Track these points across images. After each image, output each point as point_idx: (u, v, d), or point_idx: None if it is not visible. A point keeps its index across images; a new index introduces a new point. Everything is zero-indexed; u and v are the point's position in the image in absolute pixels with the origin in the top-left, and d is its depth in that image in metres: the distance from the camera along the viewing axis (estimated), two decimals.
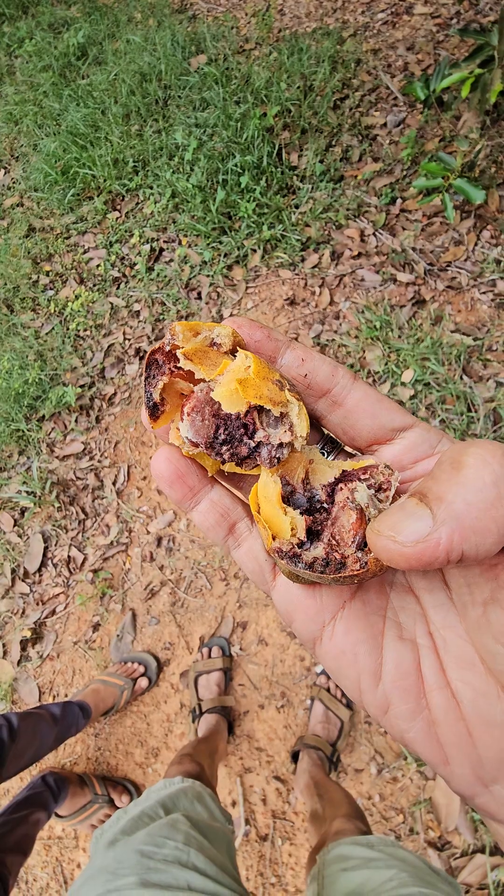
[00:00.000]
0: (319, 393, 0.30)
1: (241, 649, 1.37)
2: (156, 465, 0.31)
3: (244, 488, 0.33)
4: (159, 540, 1.54)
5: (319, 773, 1.12)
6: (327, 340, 1.67)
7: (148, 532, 1.56)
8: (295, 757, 1.24)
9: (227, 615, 1.41)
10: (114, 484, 1.65)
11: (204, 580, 1.46)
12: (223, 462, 0.30)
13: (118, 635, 1.45)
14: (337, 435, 0.32)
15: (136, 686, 1.36)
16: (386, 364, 1.58)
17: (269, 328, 0.31)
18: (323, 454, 0.33)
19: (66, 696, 1.38)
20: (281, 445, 0.29)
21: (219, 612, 1.42)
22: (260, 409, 0.29)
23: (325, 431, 0.33)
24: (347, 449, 0.33)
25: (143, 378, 0.33)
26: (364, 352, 1.63)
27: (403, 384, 1.54)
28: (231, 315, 1.85)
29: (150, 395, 0.30)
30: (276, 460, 0.29)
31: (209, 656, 1.36)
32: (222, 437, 0.29)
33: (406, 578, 0.30)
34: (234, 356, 0.30)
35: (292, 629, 0.31)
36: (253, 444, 0.29)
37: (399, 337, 1.62)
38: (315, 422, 0.32)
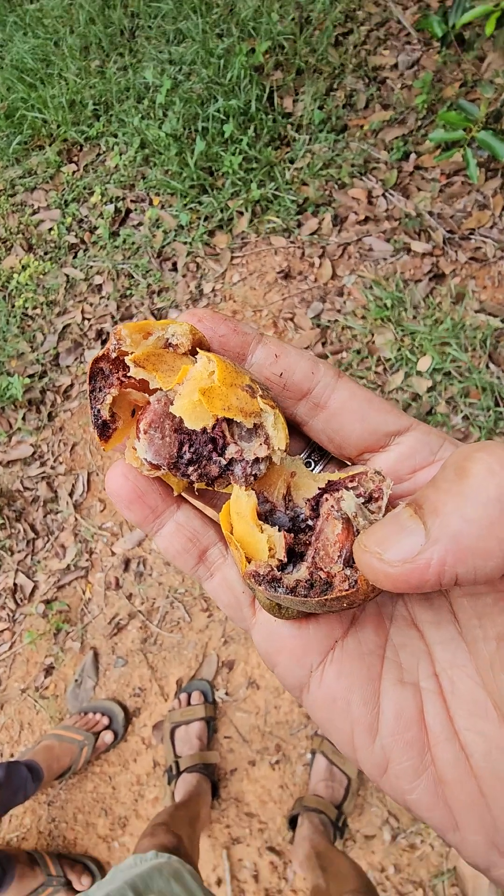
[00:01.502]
0: (298, 395, 0.31)
1: (226, 694, 1.37)
2: (111, 483, 0.31)
3: (219, 506, 0.34)
4: (127, 563, 1.53)
5: (322, 842, 1.13)
6: (329, 321, 1.69)
7: (113, 553, 1.55)
8: (293, 822, 1.24)
9: (211, 653, 1.41)
10: (70, 495, 1.63)
11: (182, 611, 1.45)
12: (191, 483, 0.31)
13: (76, 680, 1.43)
14: (322, 443, 0.32)
15: (99, 741, 1.35)
16: (399, 350, 1.60)
17: (234, 321, 0.31)
18: (308, 465, 0.34)
19: (11, 755, 1.36)
20: (257, 461, 0.30)
21: (200, 650, 1.42)
22: (230, 421, 0.30)
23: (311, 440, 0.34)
24: (341, 460, 0.34)
25: (88, 392, 0.35)
26: (373, 335, 1.64)
27: (419, 373, 1.56)
28: (213, 290, 1.85)
29: (98, 412, 0.30)
30: (252, 478, 0.30)
31: (188, 703, 1.35)
32: (188, 455, 0.30)
33: (408, 610, 0.30)
34: (195, 357, 0.30)
35: (276, 674, 0.31)
36: (224, 462, 0.30)
37: (414, 318, 1.64)
38: (296, 429, 0.33)
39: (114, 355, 0.30)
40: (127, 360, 0.29)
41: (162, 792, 1.30)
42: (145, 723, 1.39)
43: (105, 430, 0.30)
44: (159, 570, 1.52)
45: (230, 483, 0.31)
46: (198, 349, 0.30)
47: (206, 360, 0.29)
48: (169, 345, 0.31)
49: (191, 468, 0.30)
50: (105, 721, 1.37)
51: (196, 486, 0.32)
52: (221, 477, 0.30)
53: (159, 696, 1.40)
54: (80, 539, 1.59)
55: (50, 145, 2.11)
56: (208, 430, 0.29)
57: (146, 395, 0.31)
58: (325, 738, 1.30)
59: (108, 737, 1.36)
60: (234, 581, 0.32)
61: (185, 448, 0.30)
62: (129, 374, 0.30)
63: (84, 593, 1.53)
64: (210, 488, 0.32)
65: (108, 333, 1.84)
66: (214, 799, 1.28)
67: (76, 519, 1.60)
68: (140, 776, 1.35)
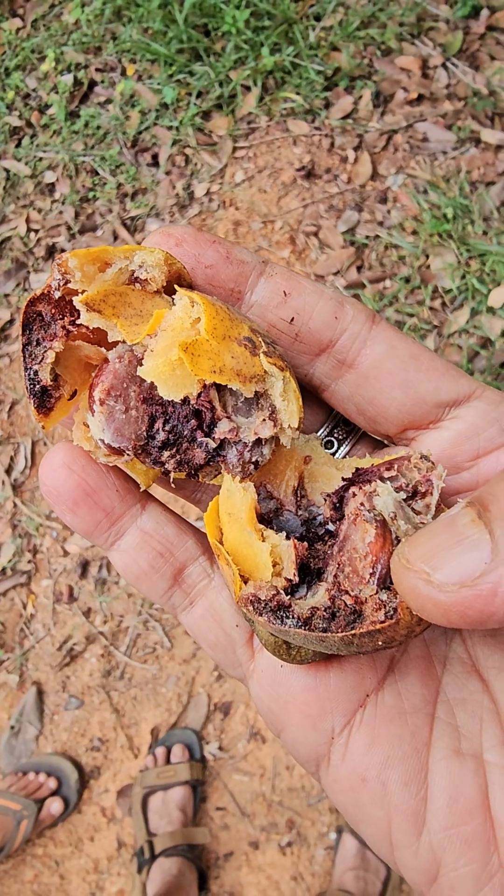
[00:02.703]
0: (316, 348, 0.29)
1: (220, 749, 1.17)
2: (48, 477, 0.28)
3: (204, 503, 0.32)
4: (85, 566, 1.30)
5: None
6: (368, 237, 1.45)
7: (65, 553, 1.32)
8: None
9: (199, 692, 1.20)
10: (8, 472, 1.40)
11: (159, 633, 1.24)
12: (165, 472, 0.29)
13: (12, 727, 1.23)
14: (349, 415, 0.30)
15: (43, 812, 1.16)
16: (463, 278, 1.41)
17: (227, 243, 0.28)
18: (329, 446, 0.32)
19: None
20: (258, 443, 0.28)
21: (184, 688, 1.20)
22: (221, 387, 0.27)
23: (332, 411, 0.32)
24: (375, 439, 0.32)
25: (21, 348, 0.27)
26: (428, 258, 1.43)
27: (491, 310, 1.37)
28: (207, 193, 1.58)
29: (35, 374, 0.27)
30: (251, 466, 0.28)
31: (167, 761, 1.17)
32: (161, 435, 0.27)
33: (469, 651, 0.28)
34: (173, 299, 0.28)
35: (283, 741, 0.30)
36: (213, 444, 0.27)
37: (485, 234, 1.44)
38: (313, 395, 0.31)
39: (57, 295, 0.27)
40: (76, 301, 0.26)
41: (129, 884, 1.13)
42: (107, 787, 1.19)
43: (45, 399, 0.27)
44: None
45: (220, 473, 0.29)
46: (175, 286, 0.28)
47: (187, 302, 0.27)
48: (135, 280, 0.28)
49: (166, 453, 0.27)
50: (52, 784, 1.18)
51: (172, 476, 0.29)
52: (209, 465, 0.28)
53: (127, 751, 1.19)
54: (21, 532, 1.36)
55: None
56: (191, 401, 0.27)
57: (102, 350, 0.28)
58: None
59: (55, 805, 1.17)
60: (223, 610, 0.30)
61: (159, 425, 0.27)
62: (78, 322, 0.27)
63: (25, 607, 1.30)
64: (192, 479, 0.29)
65: (61, 251, 1.57)
66: (202, 893, 1.11)
67: (15, 505, 1.37)
68: (99, 861, 1.15)
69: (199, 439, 0.27)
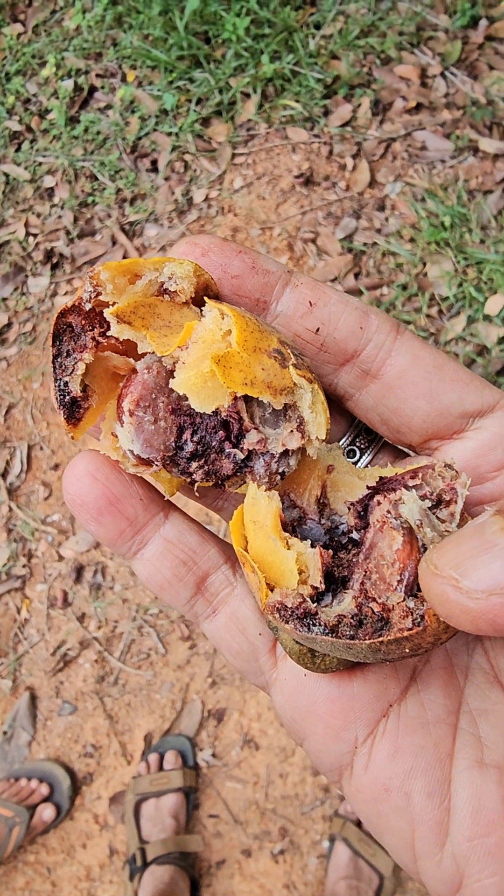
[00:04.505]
0: (341, 358, 0.28)
1: (213, 756, 1.12)
2: (73, 486, 0.28)
3: (226, 510, 0.31)
4: (79, 571, 1.25)
5: None
6: (365, 244, 1.41)
7: (60, 557, 1.27)
8: None
9: (193, 699, 1.15)
10: (3, 476, 1.35)
11: (153, 639, 1.19)
12: (191, 482, 0.28)
13: (5, 732, 1.18)
14: (372, 424, 0.30)
15: (35, 818, 1.11)
16: (460, 286, 1.36)
17: (252, 253, 0.28)
18: (352, 455, 0.32)
19: None
20: (286, 454, 0.27)
21: (178, 694, 1.15)
22: (248, 398, 0.27)
23: (355, 420, 0.31)
24: (398, 448, 0.31)
25: (51, 358, 0.27)
26: (425, 265, 1.38)
27: (488, 318, 1.33)
28: (206, 199, 1.53)
29: (65, 385, 0.27)
30: (278, 477, 0.27)
31: (159, 768, 1.12)
32: (190, 446, 0.27)
33: (491, 661, 0.27)
34: (201, 310, 0.27)
35: (305, 750, 0.29)
36: (241, 456, 0.27)
37: (482, 242, 1.39)
38: (337, 404, 0.30)
39: (88, 307, 0.26)
40: (107, 313, 0.26)
41: (121, 892, 1.09)
42: (99, 794, 1.14)
43: (74, 409, 0.27)
44: (124, 582, 1.24)
45: (245, 482, 0.28)
46: (205, 298, 0.27)
47: (217, 314, 0.26)
48: (164, 291, 0.27)
49: (194, 464, 0.27)
50: (44, 790, 1.13)
51: (196, 485, 0.28)
52: (236, 475, 0.27)
53: (120, 757, 1.15)
54: (16, 536, 1.31)
55: None
56: (221, 412, 0.26)
57: (131, 360, 0.27)
58: (346, 819, 1.07)
59: (47, 812, 1.12)
60: (246, 619, 0.29)
61: (187, 436, 0.27)
62: (108, 333, 0.26)
63: (19, 612, 1.25)
64: (217, 488, 0.29)
65: (59, 255, 1.52)
66: None
67: (11, 509, 1.32)
68: (91, 868, 1.10)
69: (228, 450, 0.27)
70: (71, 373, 0.27)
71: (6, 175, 1.60)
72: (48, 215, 1.56)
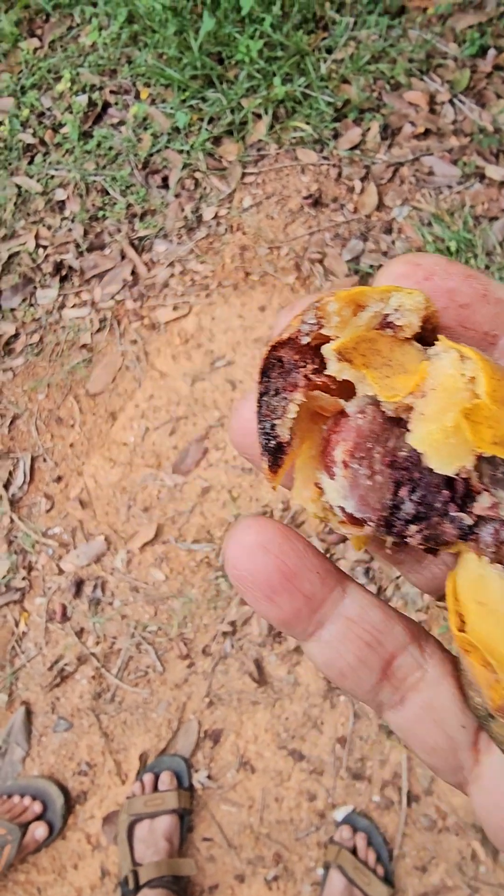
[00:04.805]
0: None
1: (209, 778, 1.10)
2: (241, 559, 0.24)
3: (404, 563, 0.27)
4: (79, 585, 1.23)
5: None
6: (371, 266, 1.40)
7: (60, 571, 1.25)
8: None
9: (189, 719, 1.13)
10: (6, 487, 1.33)
11: (152, 657, 1.17)
12: (402, 544, 0.24)
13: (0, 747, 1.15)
14: None
15: (27, 837, 1.08)
16: None
17: (482, 277, 0.23)
18: None
19: None
20: None
21: (174, 713, 1.13)
22: (480, 456, 0.23)
23: None
24: None
25: (257, 394, 0.23)
26: None
27: None
28: (215, 217, 1.52)
29: (272, 429, 0.24)
30: None
31: (154, 789, 1.09)
32: (411, 507, 0.23)
33: None
34: (425, 347, 0.24)
35: None
36: (469, 522, 0.23)
37: (487, 268, 1.40)
38: None
39: (306, 340, 0.23)
40: (328, 349, 0.23)
41: None
42: (93, 813, 1.11)
43: (278, 456, 0.23)
44: (123, 598, 1.22)
45: (454, 543, 0.24)
46: (439, 336, 0.23)
47: (456, 356, 0.22)
48: (387, 325, 0.24)
49: (413, 527, 0.23)
50: (37, 808, 1.10)
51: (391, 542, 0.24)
52: (458, 542, 0.24)
53: (114, 777, 1.12)
54: (16, 548, 1.29)
55: (6, 12, 1.77)
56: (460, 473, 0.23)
57: (340, 401, 0.24)
58: (342, 846, 1.05)
59: (39, 830, 1.09)
60: (444, 709, 0.24)
61: (405, 493, 0.23)
62: (323, 372, 0.23)
63: (17, 624, 1.23)
64: (430, 554, 0.25)
65: (69, 268, 1.51)
66: None
67: (12, 520, 1.30)
68: (82, 890, 1.07)
69: (452, 513, 0.23)
70: (280, 415, 0.24)
71: (18, 187, 1.60)
72: (59, 228, 1.56)
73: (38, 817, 1.09)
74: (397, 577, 1.17)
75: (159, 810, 1.07)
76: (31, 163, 1.63)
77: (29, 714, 1.17)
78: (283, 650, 1.15)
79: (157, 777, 1.10)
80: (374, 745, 1.08)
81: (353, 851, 1.05)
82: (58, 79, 1.70)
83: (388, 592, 1.17)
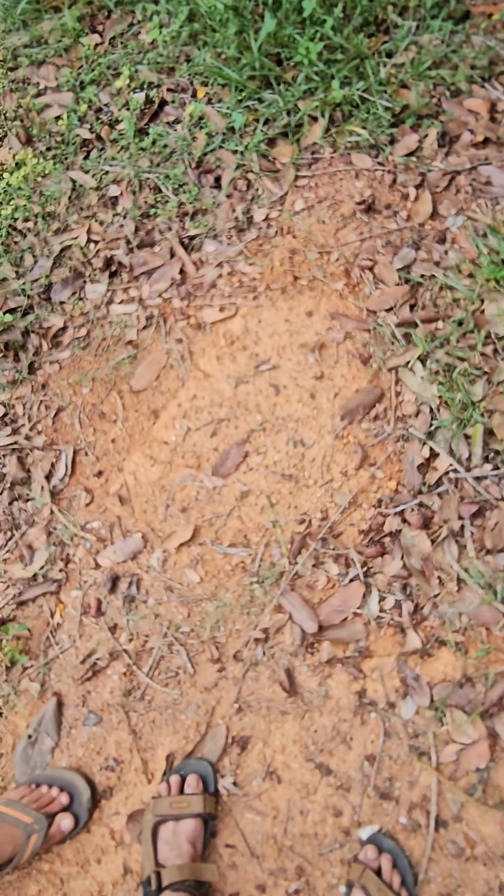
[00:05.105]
0: None
1: (234, 784, 1.08)
2: None
3: None
4: (115, 581, 1.23)
5: None
6: (423, 276, 1.36)
7: (97, 565, 1.25)
8: None
9: (218, 723, 1.11)
10: (48, 479, 1.33)
11: (183, 658, 1.15)
12: None
13: (30, 736, 1.15)
14: None
15: (53, 827, 1.08)
16: None
17: None
18: None
19: None
20: None
21: (203, 716, 1.12)
22: None
23: None
24: None
25: None
26: (483, 302, 1.34)
27: None
28: (266, 219, 1.50)
29: None
30: None
31: (180, 791, 1.08)
32: None
33: None
34: None
35: None
36: None
37: None
38: None
39: None
40: None
41: None
42: (118, 809, 1.10)
43: None
44: (158, 597, 1.21)
45: None
46: None
47: None
48: None
49: None
50: (64, 799, 1.09)
51: None
52: None
53: (141, 775, 1.11)
54: (55, 540, 1.29)
55: (69, 7, 1.77)
56: None
57: None
58: (366, 866, 1.02)
59: (66, 822, 1.08)
60: None
61: None
62: None
63: (52, 616, 1.23)
64: None
65: (118, 264, 1.51)
66: None
67: (52, 512, 1.30)
68: (104, 885, 1.06)
69: None
70: None
71: (73, 181, 1.60)
72: (111, 223, 1.55)
73: (65, 808, 1.09)
74: (435, 596, 1.14)
75: (184, 813, 1.05)
76: (86, 158, 1.63)
77: (60, 705, 1.16)
78: (315, 661, 1.12)
79: (183, 779, 1.08)
80: (404, 765, 1.05)
81: (378, 872, 1.02)
82: (117, 75, 1.69)
83: (424, 611, 1.13)
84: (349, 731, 1.08)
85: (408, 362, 1.30)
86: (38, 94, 1.73)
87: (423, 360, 1.30)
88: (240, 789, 1.08)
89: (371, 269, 1.41)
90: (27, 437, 1.37)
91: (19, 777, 1.13)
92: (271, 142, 1.56)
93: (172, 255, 1.50)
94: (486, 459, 1.20)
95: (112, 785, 1.11)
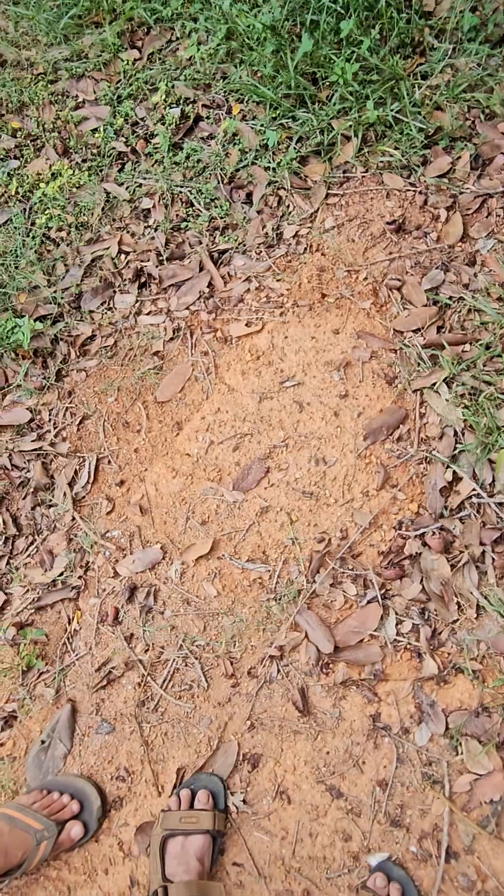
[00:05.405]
0: None
1: (244, 802, 1.07)
2: None
3: None
4: (132, 590, 1.23)
5: None
6: (451, 298, 1.35)
7: (116, 574, 1.25)
8: None
9: (230, 739, 1.11)
10: (71, 486, 1.34)
11: (197, 671, 1.15)
12: None
13: (43, 741, 1.15)
14: None
15: (63, 835, 1.07)
16: None
17: None
18: None
19: None
20: None
21: (215, 731, 1.11)
22: None
23: None
24: None
25: None
26: None
27: None
28: (295, 235, 1.50)
29: None
30: None
31: (190, 806, 1.07)
32: None
33: None
34: None
35: None
36: None
37: None
38: None
39: None
40: None
41: None
42: (127, 820, 1.09)
43: None
44: (174, 609, 1.20)
45: None
46: None
47: None
48: None
49: None
50: (75, 807, 1.09)
51: None
52: None
53: (151, 787, 1.10)
54: (76, 547, 1.29)
55: (110, 23, 1.79)
56: None
57: None
58: (375, 893, 1.00)
59: (75, 830, 1.07)
60: None
61: None
62: None
63: (70, 623, 1.23)
64: None
65: (148, 275, 1.52)
66: None
67: (74, 518, 1.30)
68: (110, 895, 1.05)
69: None
70: None
71: (107, 193, 1.61)
72: (142, 235, 1.56)
73: (75, 816, 1.09)
74: (454, 621, 1.12)
75: (193, 829, 1.04)
76: (121, 170, 1.65)
77: (74, 712, 1.16)
78: (330, 682, 1.11)
79: (193, 794, 1.07)
80: (416, 793, 1.03)
81: None
82: (153, 90, 1.71)
83: (442, 636, 1.11)
84: (362, 755, 1.06)
85: (433, 384, 1.28)
86: (77, 107, 1.75)
87: (448, 382, 1.28)
88: (249, 807, 1.07)
89: (399, 289, 1.40)
90: (52, 444, 1.38)
91: (31, 782, 1.13)
92: (303, 160, 1.56)
93: (201, 268, 1.51)
94: None
95: (122, 795, 1.11)
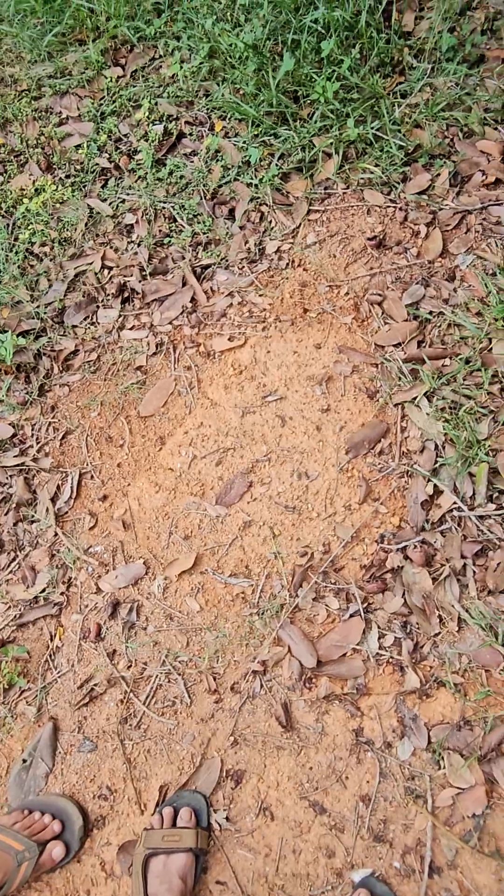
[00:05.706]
0: None
1: (227, 819, 1.06)
2: None
3: None
4: (115, 606, 1.22)
5: None
6: (431, 313, 1.37)
7: (98, 590, 1.24)
8: None
9: (213, 756, 1.10)
10: (53, 501, 1.33)
11: (180, 687, 1.14)
12: None
13: (25, 760, 1.13)
14: None
15: (45, 855, 1.05)
16: None
17: None
18: None
19: None
20: None
21: (198, 748, 1.10)
22: None
23: None
24: None
25: None
26: (490, 341, 1.33)
27: None
28: (278, 251, 1.51)
29: None
30: None
31: (172, 824, 1.05)
32: None
33: None
34: None
35: None
36: None
37: None
38: None
39: None
40: None
41: None
42: (110, 839, 1.08)
43: None
44: (157, 624, 1.20)
45: None
46: None
47: None
48: None
49: None
50: (56, 827, 1.07)
51: None
52: None
53: (134, 805, 1.09)
54: (58, 563, 1.28)
55: (94, 41, 1.80)
56: None
57: None
58: None
59: (57, 850, 1.06)
60: None
61: None
62: None
63: (51, 639, 1.22)
64: None
65: (131, 290, 1.52)
66: None
67: (56, 534, 1.29)
68: None
69: None
70: None
71: (91, 209, 1.61)
72: (125, 251, 1.56)
73: (56, 836, 1.07)
74: (435, 635, 1.12)
75: (176, 847, 1.03)
76: (104, 186, 1.65)
77: (56, 730, 1.15)
78: (313, 697, 1.11)
79: (176, 812, 1.06)
80: (399, 808, 1.03)
81: None
82: (137, 107, 1.72)
83: (424, 650, 1.12)
84: (345, 770, 1.06)
85: (414, 398, 1.29)
86: (60, 124, 1.75)
87: (429, 396, 1.29)
88: (232, 824, 1.06)
89: (380, 304, 1.42)
90: (34, 459, 1.37)
91: (12, 801, 1.12)
92: (285, 176, 1.58)
93: (184, 283, 1.51)
94: (490, 499, 1.19)
95: (105, 814, 1.09)
